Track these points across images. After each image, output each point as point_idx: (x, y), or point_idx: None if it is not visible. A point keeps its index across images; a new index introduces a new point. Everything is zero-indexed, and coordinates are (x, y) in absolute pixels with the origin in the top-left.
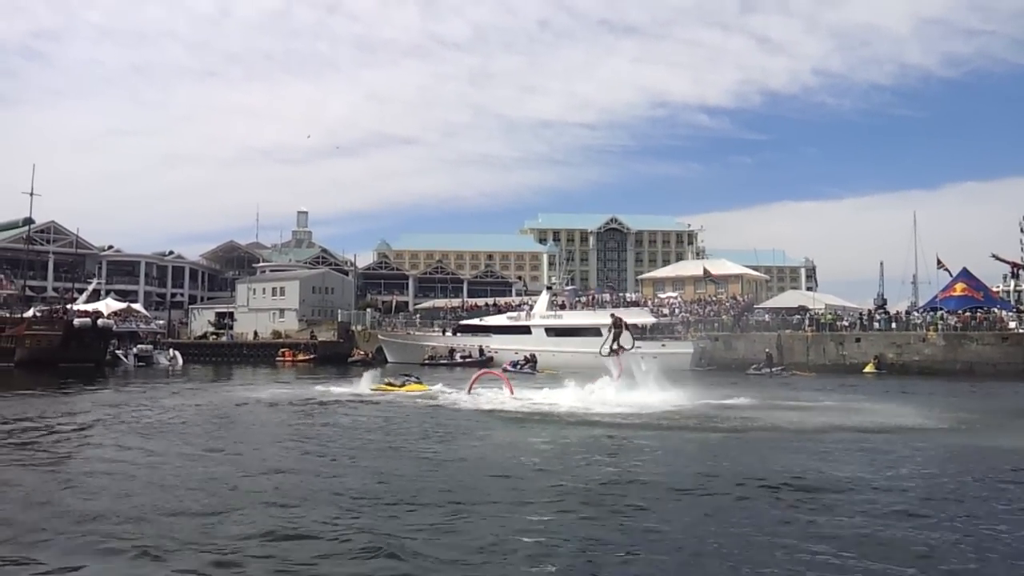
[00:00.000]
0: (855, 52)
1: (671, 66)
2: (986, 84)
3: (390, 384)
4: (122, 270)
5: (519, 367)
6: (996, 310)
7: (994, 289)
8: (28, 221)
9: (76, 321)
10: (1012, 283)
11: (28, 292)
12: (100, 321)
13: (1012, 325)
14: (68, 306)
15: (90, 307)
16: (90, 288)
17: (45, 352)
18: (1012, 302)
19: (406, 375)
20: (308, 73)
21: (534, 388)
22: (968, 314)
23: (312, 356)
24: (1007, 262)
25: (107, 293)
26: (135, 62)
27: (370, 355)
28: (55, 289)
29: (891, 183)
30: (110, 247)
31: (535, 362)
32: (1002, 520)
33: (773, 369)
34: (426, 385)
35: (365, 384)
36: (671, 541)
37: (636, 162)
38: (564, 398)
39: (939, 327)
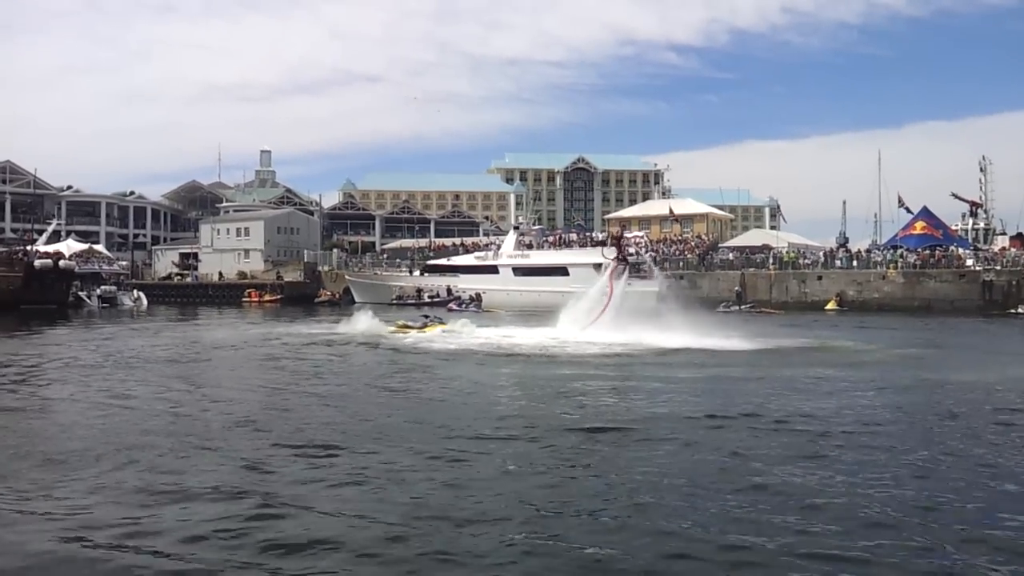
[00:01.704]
0: None
1: (638, 3)
2: (953, 23)
3: (407, 325)
4: (82, 211)
5: (464, 306)
6: (954, 248)
7: (953, 227)
8: None
9: (37, 263)
10: (970, 222)
11: None
12: (62, 263)
13: (969, 263)
14: (28, 248)
15: (51, 248)
16: (50, 229)
17: (6, 294)
18: (970, 240)
19: (425, 316)
20: (269, 8)
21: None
22: (927, 252)
23: (278, 296)
24: (966, 201)
25: (68, 234)
26: None
27: (337, 295)
28: (13, 231)
29: (856, 122)
30: (69, 187)
31: (480, 301)
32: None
33: (742, 307)
34: (447, 323)
35: (367, 324)
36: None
37: (603, 101)
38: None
39: (899, 265)
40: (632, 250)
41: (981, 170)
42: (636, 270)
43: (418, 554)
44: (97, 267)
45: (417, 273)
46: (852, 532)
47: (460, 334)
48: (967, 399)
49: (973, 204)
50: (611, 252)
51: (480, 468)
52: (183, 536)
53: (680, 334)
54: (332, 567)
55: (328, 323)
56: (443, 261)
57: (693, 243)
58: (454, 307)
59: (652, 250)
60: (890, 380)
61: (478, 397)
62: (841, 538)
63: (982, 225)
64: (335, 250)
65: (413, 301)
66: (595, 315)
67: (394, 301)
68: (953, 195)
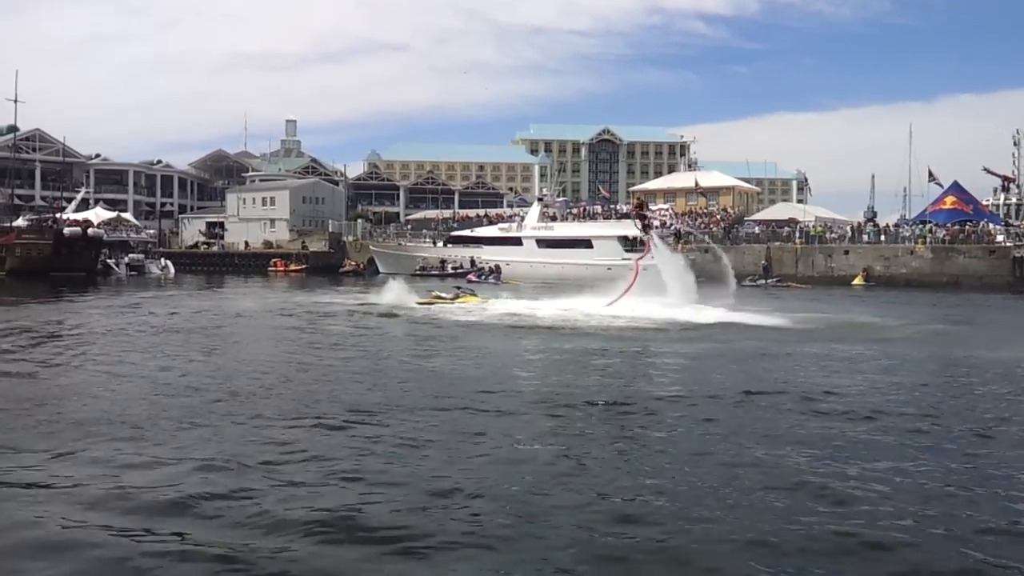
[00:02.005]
0: None
1: None
2: None
3: (439, 297)
4: (110, 179)
5: (483, 277)
6: (985, 223)
7: (984, 202)
8: (12, 128)
9: (66, 230)
10: (1002, 196)
11: (16, 201)
12: (90, 230)
13: (1000, 239)
14: (57, 215)
15: (80, 216)
16: (79, 197)
17: (36, 262)
18: (1001, 215)
19: (457, 287)
20: None
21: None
22: (957, 227)
23: (303, 266)
24: (998, 175)
25: (96, 202)
26: None
27: (361, 265)
28: (43, 198)
29: (887, 95)
30: (97, 156)
31: (499, 272)
32: None
33: (769, 281)
34: (480, 296)
35: (396, 295)
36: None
37: (630, 71)
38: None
39: (927, 240)
40: (657, 222)
41: (1015, 144)
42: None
43: (426, 533)
44: (125, 235)
45: (441, 244)
46: (881, 520)
47: (491, 306)
48: (1001, 377)
49: (1005, 179)
50: (637, 224)
51: (496, 443)
52: (178, 509)
53: (711, 308)
54: (337, 540)
55: (353, 293)
56: (467, 232)
57: (719, 216)
58: (473, 278)
59: (678, 223)
60: (927, 356)
61: (501, 370)
62: (871, 527)
63: (1014, 200)
64: (360, 220)
65: (437, 272)
66: (622, 291)
67: (417, 272)
68: (985, 169)
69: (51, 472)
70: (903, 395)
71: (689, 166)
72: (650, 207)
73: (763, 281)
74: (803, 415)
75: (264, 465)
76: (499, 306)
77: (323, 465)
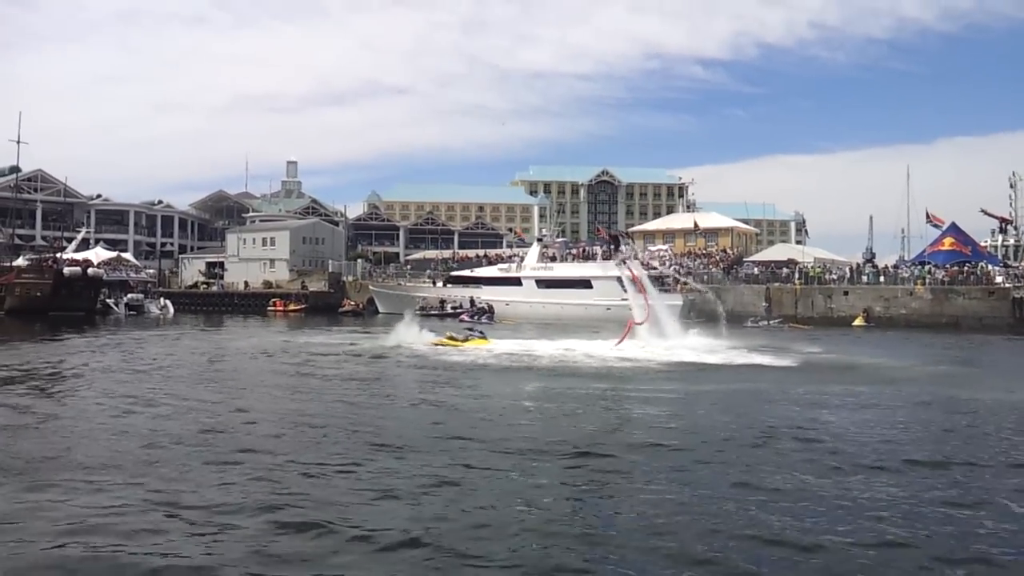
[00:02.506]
0: (852, 4)
1: (667, 16)
2: (983, 39)
3: (453, 339)
4: (111, 219)
5: (477, 317)
6: (983, 264)
7: (982, 244)
8: (15, 169)
9: (66, 270)
10: (1000, 238)
11: (16, 241)
12: (90, 270)
13: (999, 279)
14: (57, 255)
15: (80, 256)
16: (79, 237)
17: (35, 301)
18: (999, 256)
19: (469, 329)
20: (298, 19)
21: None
22: (956, 268)
23: (303, 306)
24: (996, 217)
25: (96, 242)
26: (120, 8)
27: (361, 305)
28: (44, 238)
29: (884, 137)
30: (99, 196)
31: (492, 312)
32: None
33: (771, 321)
34: (490, 340)
35: (407, 335)
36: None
37: (629, 114)
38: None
39: (927, 281)
40: (656, 264)
41: (1011, 186)
42: (660, 284)
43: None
44: (125, 275)
45: (440, 284)
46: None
47: (496, 347)
48: (1004, 420)
49: (1003, 220)
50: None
51: (496, 487)
52: (180, 547)
53: (720, 351)
54: None
55: (347, 333)
56: (466, 272)
57: (718, 257)
58: (466, 318)
59: (677, 264)
60: (933, 399)
61: (497, 413)
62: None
63: (1012, 242)
64: (359, 260)
65: (436, 312)
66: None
67: (417, 312)
68: (982, 211)
69: (32, 515)
70: (913, 435)
71: (688, 207)
72: (622, 245)
73: (765, 322)
74: (813, 462)
75: (262, 506)
76: (503, 347)
77: (314, 506)
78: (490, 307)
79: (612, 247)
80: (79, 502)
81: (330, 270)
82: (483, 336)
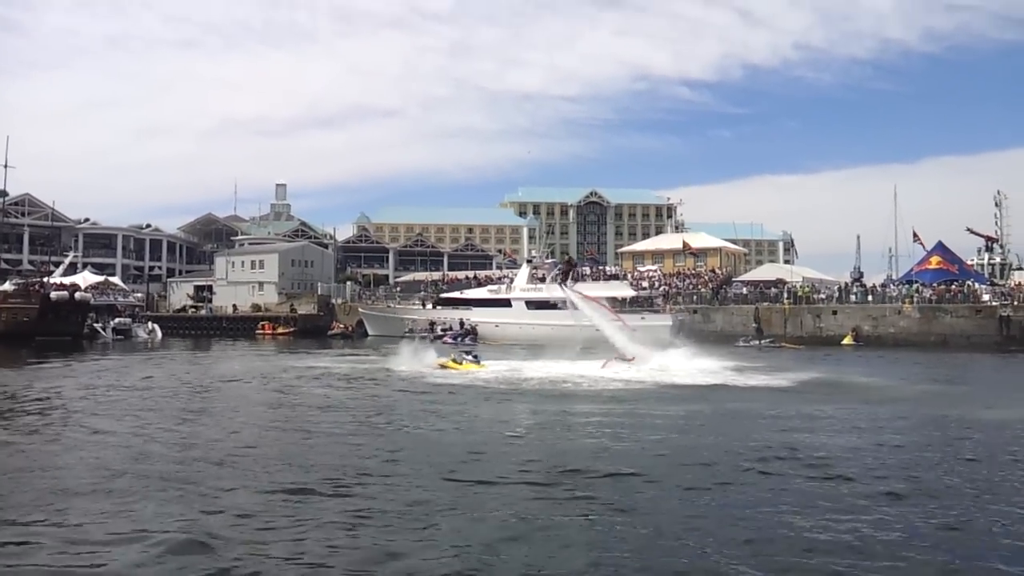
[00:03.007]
0: (837, 26)
1: (653, 39)
2: (966, 59)
3: (454, 361)
4: (99, 243)
5: (459, 339)
6: (970, 283)
7: (968, 262)
8: (2, 193)
9: (53, 294)
10: (986, 256)
11: (3, 266)
12: (77, 295)
13: (986, 298)
14: (45, 279)
15: (67, 280)
16: (67, 261)
17: (22, 326)
18: (986, 275)
19: (465, 352)
20: (287, 44)
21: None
22: (943, 287)
23: (292, 329)
24: (981, 235)
25: (84, 266)
26: (110, 33)
27: (350, 328)
28: (31, 262)
29: (870, 156)
30: (86, 220)
31: (475, 333)
32: None
33: (762, 342)
34: (484, 364)
35: (416, 357)
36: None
37: (617, 136)
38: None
39: (914, 300)
40: (645, 285)
41: (996, 205)
42: (649, 304)
43: None
44: (112, 299)
45: (430, 306)
46: None
47: (488, 370)
48: (995, 439)
49: (989, 239)
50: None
51: (485, 516)
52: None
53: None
54: None
55: (333, 356)
56: (456, 294)
57: (707, 277)
58: (448, 340)
59: (666, 284)
60: (923, 417)
61: (485, 436)
62: None
63: (998, 260)
64: (349, 283)
65: (426, 334)
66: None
67: (406, 334)
68: (968, 230)
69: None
70: (905, 457)
71: (676, 228)
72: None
73: (756, 342)
74: (811, 481)
75: (225, 540)
76: (495, 368)
77: (292, 535)
78: (473, 328)
79: (564, 272)
80: (60, 529)
81: (319, 293)
82: (477, 360)
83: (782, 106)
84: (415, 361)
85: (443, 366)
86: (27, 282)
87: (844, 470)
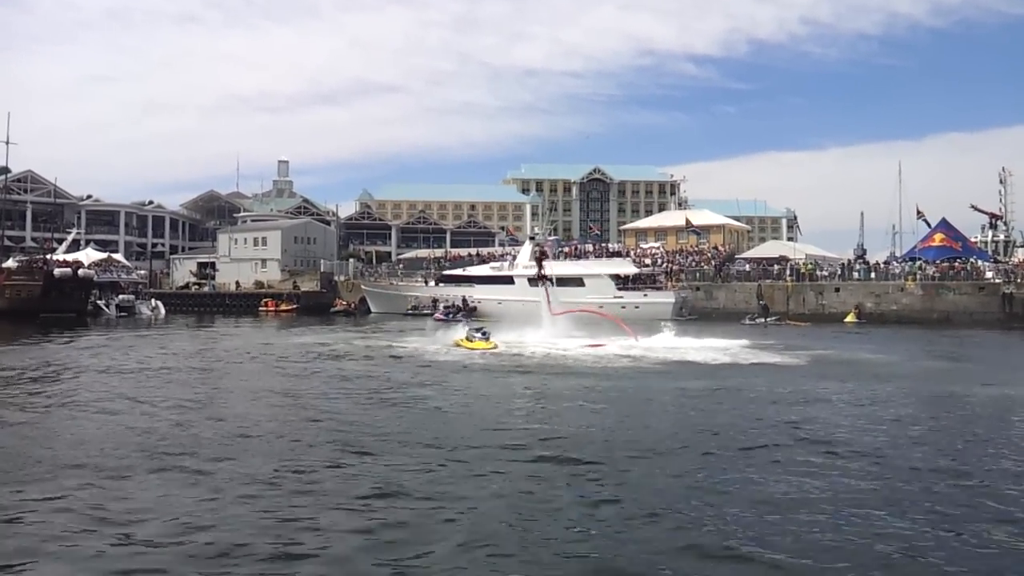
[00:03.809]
0: (843, 1)
1: (658, 13)
2: (974, 34)
3: (467, 339)
4: (102, 220)
5: (451, 315)
6: (974, 260)
7: (972, 239)
8: (4, 170)
9: (56, 271)
10: (990, 233)
11: (6, 242)
12: (81, 271)
13: (989, 275)
14: (48, 256)
15: (70, 257)
16: (69, 238)
17: (25, 302)
18: (989, 252)
19: (477, 329)
20: (290, 19)
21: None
22: (946, 264)
23: (295, 306)
24: (985, 212)
25: (87, 243)
26: (111, 7)
27: (353, 305)
28: (34, 239)
29: (875, 133)
30: (89, 197)
31: (467, 309)
32: None
33: (768, 319)
34: (493, 342)
35: (433, 337)
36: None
37: (621, 111)
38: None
39: (917, 277)
40: (648, 262)
41: (1001, 182)
42: (652, 281)
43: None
44: (116, 276)
45: (433, 283)
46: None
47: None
48: (998, 414)
49: (993, 216)
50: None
51: (482, 495)
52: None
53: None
54: None
55: (339, 332)
56: (458, 271)
57: (709, 254)
58: (440, 317)
59: (668, 261)
60: (929, 393)
61: (485, 411)
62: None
63: (1002, 237)
64: (351, 260)
65: (428, 311)
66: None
67: (409, 311)
68: (972, 207)
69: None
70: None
71: (679, 205)
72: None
73: (762, 320)
74: (821, 462)
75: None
76: (504, 346)
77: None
78: (465, 304)
79: (538, 260)
80: (67, 507)
81: (322, 270)
82: (487, 339)
83: (787, 82)
84: (430, 341)
85: (457, 344)
86: (30, 259)
87: (857, 448)
